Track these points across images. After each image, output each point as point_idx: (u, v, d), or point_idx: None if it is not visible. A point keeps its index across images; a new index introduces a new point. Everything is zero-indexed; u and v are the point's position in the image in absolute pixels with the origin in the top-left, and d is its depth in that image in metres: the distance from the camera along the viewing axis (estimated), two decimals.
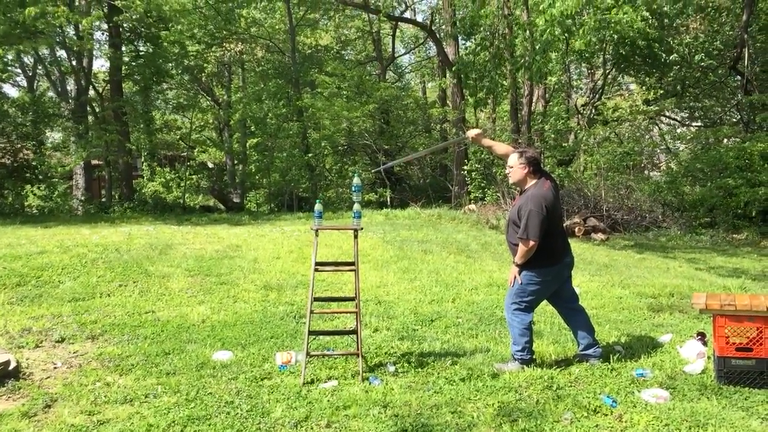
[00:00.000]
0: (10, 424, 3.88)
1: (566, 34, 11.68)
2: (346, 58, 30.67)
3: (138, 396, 4.37)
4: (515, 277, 4.85)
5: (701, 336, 5.31)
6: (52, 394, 4.42)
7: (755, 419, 3.91)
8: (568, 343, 5.50)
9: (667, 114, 24.53)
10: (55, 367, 5.01)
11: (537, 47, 13.70)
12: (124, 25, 21.61)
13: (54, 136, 26.07)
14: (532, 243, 4.61)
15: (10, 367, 4.67)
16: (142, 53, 22.34)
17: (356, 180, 5.03)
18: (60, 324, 6.21)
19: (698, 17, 21.21)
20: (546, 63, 13.65)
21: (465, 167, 22.21)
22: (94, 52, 22.37)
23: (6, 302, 6.92)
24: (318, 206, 4.98)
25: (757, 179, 15.65)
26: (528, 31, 15.27)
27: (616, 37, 16.66)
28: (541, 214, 4.61)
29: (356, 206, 5.06)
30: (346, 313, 6.13)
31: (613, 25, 13.33)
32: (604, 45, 18.19)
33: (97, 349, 5.45)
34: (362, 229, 5.06)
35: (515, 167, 4.83)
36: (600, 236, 15.37)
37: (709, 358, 4.89)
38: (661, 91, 22.85)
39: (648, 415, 3.95)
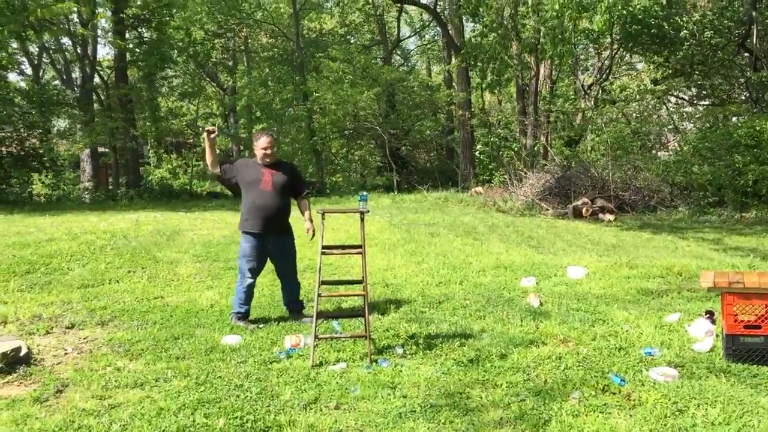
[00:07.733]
0: (23, 408, 3.91)
1: (577, 14, 11.37)
2: (351, 42, 30.46)
3: (148, 380, 4.39)
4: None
5: (710, 314, 5.30)
6: (64, 379, 4.45)
7: (764, 395, 3.91)
8: (575, 323, 5.50)
9: (675, 93, 24.33)
10: (65, 353, 5.05)
11: (546, 29, 13.48)
12: (129, 12, 21.57)
13: (60, 124, 26.12)
14: None
15: (21, 354, 4.70)
16: (147, 40, 22.29)
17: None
18: (70, 310, 6.25)
19: None
20: (561, 49, 13.36)
21: (476, 149, 22.18)
22: (99, 40, 22.36)
23: (16, 289, 6.96)
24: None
25: (765, 157, 15.49)
26: (536, 12, 15.06)
27: (625, 13, 16.43)
28: None
29: (362, 190, 5.16)
30: (354, 296, 6.13)
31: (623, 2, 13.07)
32: (612, 24, 18.01)
33: (107, 335, 5.48)
34: (368, 212, 5.11)
35: (274, 147, 5.99)
36: (608, 217, 15.31)
37: (717, 336, 4.88)
38: (669, 71, 22.64)
39: (656, 394, 3.95)
